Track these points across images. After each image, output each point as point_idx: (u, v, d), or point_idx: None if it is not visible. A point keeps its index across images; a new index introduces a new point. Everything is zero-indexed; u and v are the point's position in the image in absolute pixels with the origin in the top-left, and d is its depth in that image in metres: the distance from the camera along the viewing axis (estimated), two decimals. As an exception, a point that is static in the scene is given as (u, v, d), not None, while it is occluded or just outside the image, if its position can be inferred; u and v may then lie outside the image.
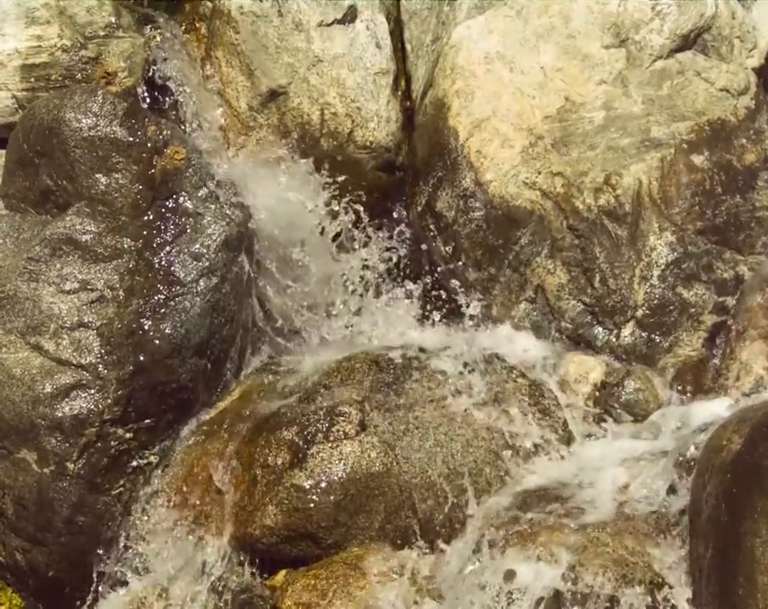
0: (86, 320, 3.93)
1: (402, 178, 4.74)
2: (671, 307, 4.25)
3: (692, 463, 3.56)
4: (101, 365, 3.90)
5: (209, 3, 4.79)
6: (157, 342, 3.94)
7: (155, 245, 4.02)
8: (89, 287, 3.97)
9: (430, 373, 3.98)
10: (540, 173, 4.39)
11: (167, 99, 4.61)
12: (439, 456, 3.80)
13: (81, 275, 3.98)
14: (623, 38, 4.55)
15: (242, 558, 3.79)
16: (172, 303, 3.98)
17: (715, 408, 3.88)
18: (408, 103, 4.83)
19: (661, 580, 3.33)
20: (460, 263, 4.44)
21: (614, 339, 4.26)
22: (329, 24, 4.72)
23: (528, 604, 3.34)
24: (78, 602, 3.93)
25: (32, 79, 4.44)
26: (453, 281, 4.46)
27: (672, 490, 3.56)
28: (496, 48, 4.57)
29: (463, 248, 4.45)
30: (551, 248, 4.34)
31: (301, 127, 4.66)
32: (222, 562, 3.78)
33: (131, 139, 4.05)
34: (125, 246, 4.01)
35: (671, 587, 3.32)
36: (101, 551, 3.91)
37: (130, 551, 3.90)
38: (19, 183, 4.16)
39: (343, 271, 4.49)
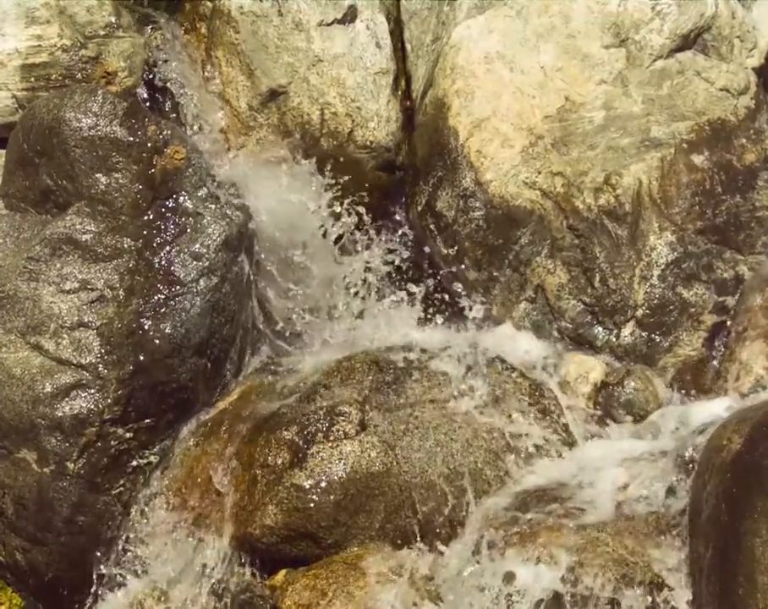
0: (86, 320, 3.93)
1: (402, 178, 4.74)
2: (671, 307, 4.25)
3: (692, 463, 3.56)
4: (101, 365, 3.90)
5: (209, 3, 4.79)
6: (157, 341, 3.94)
7: (155, 245, 4.02)
8: (89, 286, 3.97)
9: (430, 373, 3.97)
10: (540, 173, 4.39)
11: (167, 100, 4.61)
12: (439, 456, 3.80)
13: (81, 274, 3.98)
14: (623, 38, 4.55)
15: (242, 558, 3.79)
16: (172, 302, 3.98)
17: (715, 408, 3.88)
18: (408, 103, 4.83)
19: (661, 580, 3.33)
20: (460, 263, 4.44)
21: (614, 339, 4.26)
22: (329, 24, 4.72)
23: (527, 606, 3.34)
24: (78, 602, 3.93)
25: (32, 79, 4.44)
26: (453, 281, 4.46)
27: (671, 490, 3.56)
28: (496, 48, 4.57)
29: (463, 248, 4.45)
30: (551, 248, 4.34)
31: (301, 127, 4.66)
32: (222, 563, 3.78)
33: (131, 138, 4.05)
34: (125, 246, 4.01)
35: (671, 588, 3.32)
36: (101, 551, 3.91)
37: (130, 551, 3.90)
38: (19, 182, 4.16)
39: (344, 272, 4.48)
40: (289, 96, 4.69)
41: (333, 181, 4.50)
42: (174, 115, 4.60)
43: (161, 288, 3.99)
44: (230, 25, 4.73)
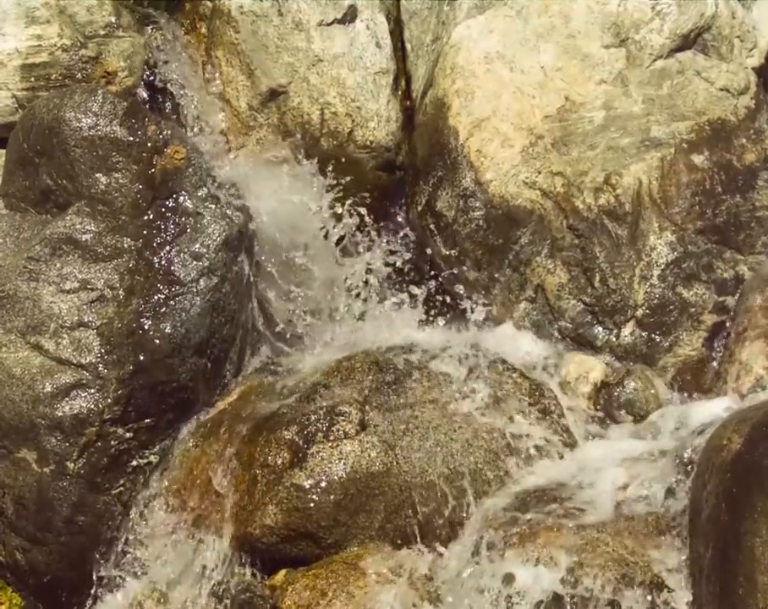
0: (86, 320, 3.93)
1: (402, 178, 4.74)
2: (671, 307, 4.25)
3: (692, 464, 3.55)
4: (101, 365, 3.90)
5: (209, 3, 4.79)
6: (157, 341, 3.94)
7: (155, 245, 4.02)
8: (89, 286, 3.97)
9: (430, 373, 3.97)
10: (540, 173, 4.39)
11: (167, 101, 4.61)
12: (439, 456, 3.80)
13: (81, 274, 3.98)
14: (623, 38, 4.55)
15: (242, 558, 3.79)
16: (172, 302, 3.98)
17: (714, 408, 3.88)
18: (408, 103, 4.83)
19: (661, 581, 3.33)
20: (460, 263, 4.44)
21: (614, 339, 4.26)
22: (329, 24, 4.72)
23: (527, 608, 3.34)
24: (78, 602, 3.93)
25: (32, 79, 4.44)
26: (454, 281, 4.46)
27: (671, 490, 3.55)
28: (496, 48, 4.57)
29: (463, 247, 4.45)
30: (551, 247, 4.34)
31: (301, 126, 4.66)
32: (222, 563, 3.78)
33: (131, 138, 4.05)
34: (125, 246, 4.01)
35: (671, 589, 3.32)
36: (101, 551, 3.91)
37: (130, 553, 3.90)
38: (19, 182, 4.16)
39: (344, 273, 4.48)
40: (289, 95, 4.69)
41: (333, 181, 4.49)
42: (175, 116, 4.60)
43: (161, 287, 3.99)
44: (230, 25, 4.73)
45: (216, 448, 3.91)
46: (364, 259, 4.49)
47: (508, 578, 3.39)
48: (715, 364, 4.23)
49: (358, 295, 4.47)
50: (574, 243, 4.33)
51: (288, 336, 4.33)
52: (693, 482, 3.46)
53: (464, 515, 3.73)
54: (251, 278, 4.20)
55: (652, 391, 4.12)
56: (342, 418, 3.80)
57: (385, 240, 4.58)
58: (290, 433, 3.79)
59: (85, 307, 3.95)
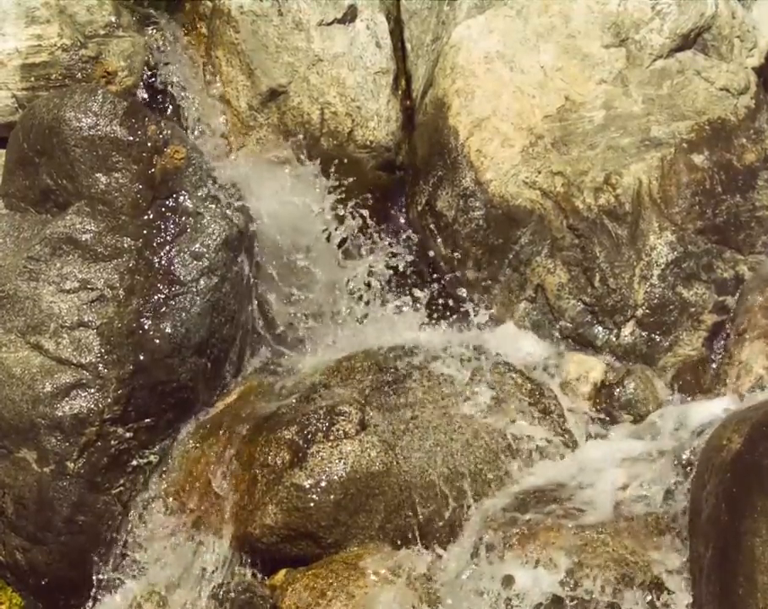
0: (86, 320, 3.93)
1: (402, 178, 4.74)
2: (671, 306, 4.25)
3: (691, 464, 3.55)
4: (101, 365, 3.90)
5: (209, 3, 4.79)
6: (157, 341, 3.94)
7: (155, 244, 4.02)
8: (89, 286, 3.97)
9: (430, 373, 3.97)
10: (540, 173, 4.39)
11: (168, 101, 4.61)
12: (439, 456, 3.80)
13: (81, 274, 3.98)
14: (623, 37, 4.55)
15: (242, 558, 3.79)
16: (172, 302, 3.98)
17: (715, 408, 3.87)
18: (408, 102, 4.83)
19: (660, 581, 3.33)
20: (460, 263, 4.44)
21: (614, 339, 4.26)
22: (329, 24, 4.72)
23: (526, 610, 3.35)
24: (78, 602, 3.93)
25: (32, 79, 4.44)
26: (453, 280, 4.46)
27: (671, 491, 3.55)
28: (496, 48, 4.57)
29: (463, 247, 4.45)
30: (551, 247, 4.34)
31: (301, 126, 4.66)
32: (222, 563, 3.78)
33: (131, 138, 4.05)
34: (125, 245, 4.01)
35: (670, 591, 3.32)
36: (101, 551, 3.91)
37: (131, 552, 3.90)
38: (19, 182, 4.16)
39: (345, 273, 4.48)
40: (289, 95, 4.69)
41: (333, 181, 4.49)
42: (175, 118, 4.59)
43: (161, 287, 3.99)
44: (230, 25, 4.73)
45: (215, 449, 3.90)
46: (363, 259, 4.49)
47: (508, 581, 3.39)
48: (715, 364, 4.23)
49: (358, 296, 4.47)
50: (574, 243, 4.33)
51: (288, 339, 4.33)
52: (693, 482, 3.46)
53: (464, 515, 3.73)
54: (251, 279, 4.20)
55: (652, 391, 4.12)
56: (342, 418, 3.80)
57: (385, 240, 4.58)
58: (290, 433, 3.79)
59: (84, 307, 3.95)
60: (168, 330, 3.95)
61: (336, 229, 4.45)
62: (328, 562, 3.69)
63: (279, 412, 3.89)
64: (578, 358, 4.20)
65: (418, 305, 4.38)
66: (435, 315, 4.38)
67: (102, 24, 4.54)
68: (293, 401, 3.92)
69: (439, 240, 4.51)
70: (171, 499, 3.90)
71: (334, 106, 4.66)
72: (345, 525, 3.70)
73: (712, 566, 3.20)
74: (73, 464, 3.87)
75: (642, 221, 4.29)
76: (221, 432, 3.94)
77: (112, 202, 4.04)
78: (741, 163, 4.39)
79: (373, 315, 4.44)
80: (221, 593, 3.74)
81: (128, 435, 3.92)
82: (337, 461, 3.73)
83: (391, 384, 3.92)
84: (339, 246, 4.45)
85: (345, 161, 4.58)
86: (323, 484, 3.71)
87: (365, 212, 4.51)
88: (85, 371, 3.89)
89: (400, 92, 4.82)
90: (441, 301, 4.43)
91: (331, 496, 3.70)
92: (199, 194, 4.08)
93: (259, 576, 3.78)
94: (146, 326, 3.94)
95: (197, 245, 4.04)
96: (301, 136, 4.63)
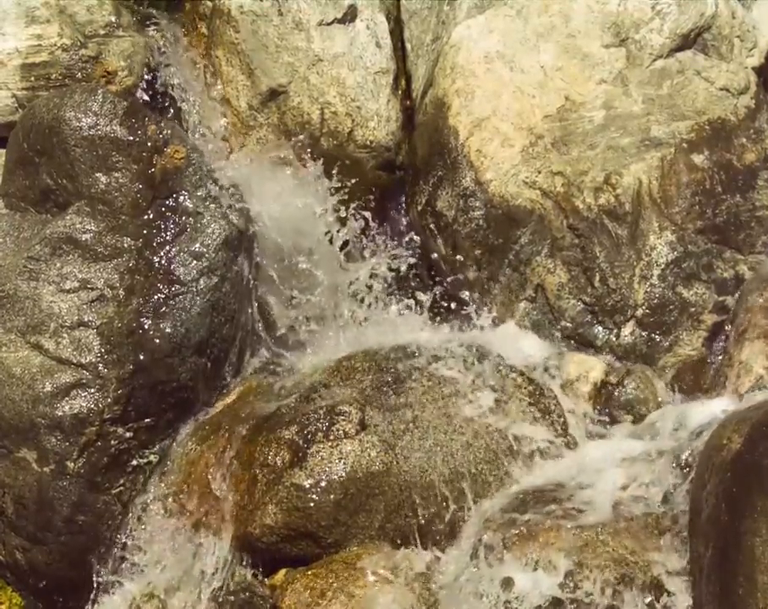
0: (86, 319, 3.93)
1: (402, 178, 4.74)
2: (671, 306, 4.25)
3: (691, 463, 3.55)
4: (101, 364, 3.90)
5: (209, 3, 4.79)
6: (157, 341, 3.94)
7: (155, 244, 4.02)
8: (89, 286, 3.97)
9: (430, 373, 3.97)
10: (540, 173, 4.39)
11: (168, 102, 4.61)
12: (439, 456, 3.80)
13: (81, 274, 3.98)
14: (623, 37, 4.55)
15: (242, 558, 3.79)
16: (172, 302, 3.98)
17: (715, 408, 3.87)
18: (408, 102, 4.83)
19: (661, 581, 3.33)
20: (460, 262, 4.44)
21: (614, 338, 4.26)
22: (329, 24, 4.72)
23: (526, 613, 3.34)
24: (77, 602, 3.93)
25: (32, 78, 4.44)
26: (453, 280, 4.46)
27: (670, 491, 3.55)
28: (496, 47, 4.57)
29: (463, 247, 4.45)
30: (551, 247, 4.34)
31: (301, 126, 4.66)
32: (221, 564, 3.78)
33: (131, 138, 4.05)
34: (125, 245, 4.01)
35: (671, 589, 3.32)
36: (101, 551, 3.91)
37: (131, 552, 3.90)
38: (19, 182, 4.16)
39: (344, 273, 4.48)
40: (289, 95, 4.69)
41: (333, 181, 4.49)
42: (176, 118, 4.59)
43: (161, 287, 3.99)
44: (230, 25, 4.73)
45: (215, 450, 3.90)
46: (363, 259, 4.49)
47: (507, 583, 3.39)
48: (715, 364, 4.23)
49: (358, 297, 4.47)
50: (574, 242, 4.33)
51: (289, 342, 4.33)
52: (693, 482, 3.46)
53: (464, 515, 3.73)
54: (251, 280, 4.20)
55: (652, 391, 4.12)
56: (342, 417, 3.80)
57: (384, 241, 4.58)
58: (290, 433, 3.79)
59: (84, 306, 3.95)
60: (168, 330, 3.95)
61: (336, 230, 4.45)
62: (328, 562, 3.69)
63: (279, 412, 3.89)
64: (579, 358, 4.20)
65: (418, 306, 4.38)
66: (435, 316, 4.37)
67: (102, 23, 4.54)
68: (293, 401, 3.92)
69: (439, 240, 4.51)
70: (170, 500, 3.90)
71: (334, 106, 4.66)
72: (345, 525, 3.70)
73: (712, 566, 3.20)
74: (73, 464, 3.87)
75: (642, 221, 4.29)
76: (221, 432, 3.94)
77: (112, 202, 4.04)
78: (741, 163, 4.39)
79: (373, 315, 4.44)
80: (221, 594, 3.74)
81: (128, 434, 3.92)
82: (337, 461, 3.73)
83: (391, 384, 3.92)
84: (339, 246, 4.44)
85: (345, 161, 4.58)
86: (323, 484, 3.71)
87: (365, 212, 4.51)
88: (84, 371, 3.89)
89: (400, 92, 4.82)
90: (441, 301, 4.42)
91: (331, 496, 3.70)
92: (199, 193, 4.08)
93: (259, 576, 3.78)
94: (146, 326, 3.94)
95: (197, 245, 4.04)
96: (301, 136, 4.63)
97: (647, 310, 4.25)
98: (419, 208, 4.59)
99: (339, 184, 4.48)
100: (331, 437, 3.76)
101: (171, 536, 3.85)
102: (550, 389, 4.05)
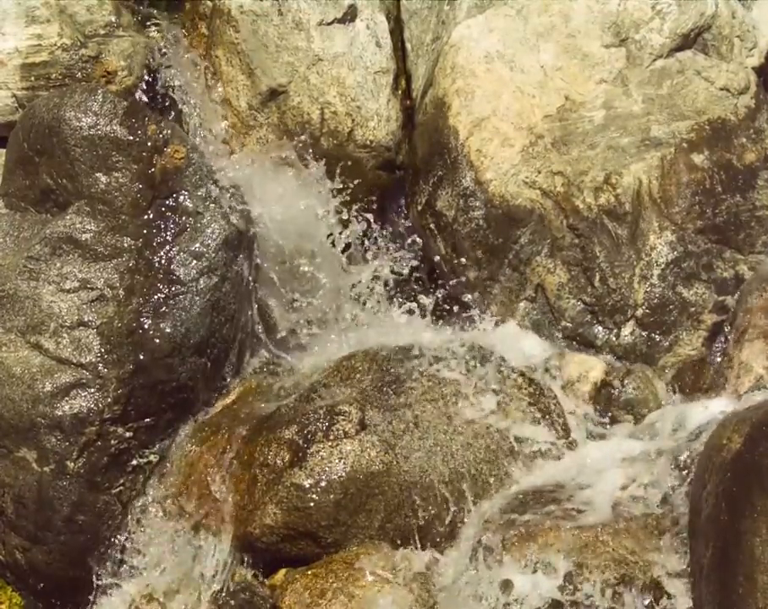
0: (86, 319, 3.93)
1: (402, 177, 4.74)
2: (671, 306, 4.25)
3: (691, 463, 3.55)
4: (101, 364, 3.90)
5: (209, 2, 4.79)
6: (157, 340, 3.94)
7: (155, 244, 4.02)
8: (89, 285, 3.97)
9: (430, 372, 3.97)
10: (540, 172, 4.39)
11: (168, 101, 4.61)
12: (439, 455, 3.80)
13: (81, 274, 3.98)
14: (623, 37, 4.55)
15: (242, 558, 3.79)
16: (172, 302, 3.98)
17: (714, 408, 3.87)
18: (408, 102, 4.83)
19: (660, 582, 3.33)
20: (460, 262, 4.44)
21: (614, 338, 4.26)
22: (329, 23, 4.71)
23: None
24: (77, 601, 3.93)
25: (32, 78, 4.44)
26: (453, 280, 4.46)
27: (670, 490, 3.55)
28: (496, 47, 4.57)
29: (463, 247, 4.45)
30: (551, 247, 4.34)
31: (301, 126, 4.65)
32: (221, 565, 3.78)
33: (131, 137, 4.05)
34: (125, 245, 4.01)
35: (671, 590, 3.32)
36: (101, 551, 3.91)
37: (131, 554, 3.90)
38: (19, 181, 4.16)
39: (343, 273, 4.48)
40: (289, 95, 4.69)
41: (333, 181, 4.49)
42: (175, 118, 4.59)
43: (161, 287, 3.98)
44: (230, 25, 4.73)
45: (215, 451, 3.90)
46: (362, 259, 4.49)
47: (506, 585, 3.38)
48: (715, 364, 4.23)
49: (358, 297, 4.47)
50: (574, 242, 4.33)
51: (290, 345, 4.33)
52: (692, 482, 3.46)
53: (463, 515, 3.73)
54: (251, 281, 4.20)
55: (652, 391, 4.12)
56: (342, 417, 3.80)
57: (384, 241, 4.58)
58: (290, 432, 3.79)
59: (84, 306, 3.95)
60: (168, 329, 3.95)
61: (336, 229, 4.44)
62: (328, 562, 3.69)
63: (279, 412, 3.89)
64: (579, 358, 4.20)
65: (418, 305, 4.38)
66: (435, 315, 4.37)
67: (102, 23, 4.54)
68: (293, 401, 3.92)
69: (439, 240, 4.51)
70: (170, 502, 3.90)
71: (334, 106, 4.66)
72: (345, 525, 3.70)
73: (712, 566, 3.20)
74: (73, 464, 3.87)
75: (642, 220, 4.29)
76: (221, 433, 3.94)
77: (112, 202, 4.04)
78: (741, 163, 4.39)
79: (374, 316, 4.44)
80: (221, 596, 3.74)
81: (128, 434, 3.92)
82: (336, 461, 3.72)
83: (391, 384, 3.92)
84: (341, 248, 4.44)
85: (345, 161, 4.58)
86: (323, 483, 3.71)
87: (364, 212, 4.51)
88: (84, 371, 3.89)
89: (400, 92, 4.82)
90: (441, 301, 4.42)
91: (331, 496, 3.70)
92: (199, 193, 4.08)
93: (259, 576, 3.78)
94: (146, 326, 3.94)
95: (197, 245, 4.04)
96: (301, 136, 4.63)
97: (647, 310, 4.25)
98: (419, 208, 4.59)
99: (338, 184, 4.48)
100: (331, 437, 3.76)
101: (170, 538, 3.85)
102: (550, 389, 4.05)
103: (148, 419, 3.95)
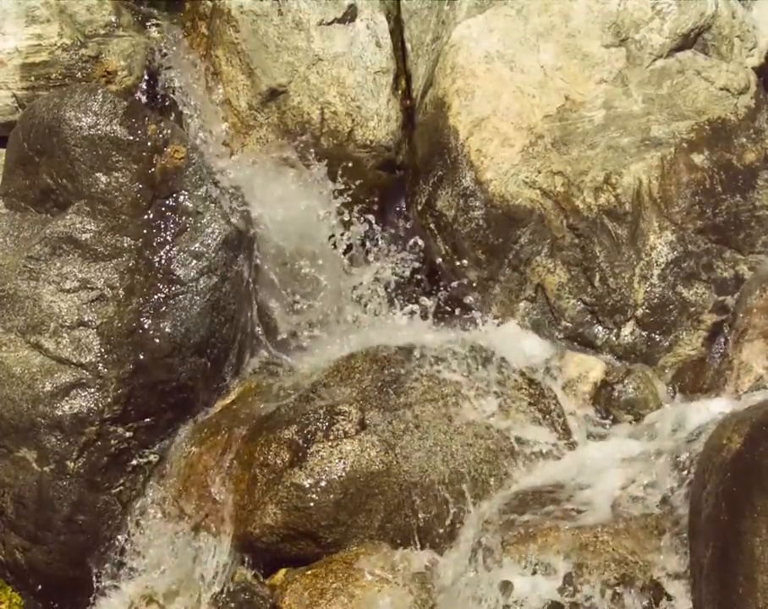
0: (86, 319, 3.93)
1: (402, 177, 4.74)
2: (671, 306, 4.25)
3: (691, 463, 3.55)
4: (101, 364, 3.90)
5: (209, 2, 4.79)
6: (157, 340, 3.94)
7: (155, 244, 4.02)
8: (89, 285, 3.97)
9: (430, 372, 3.97)
10: (540, 172, 4.39)
11: (168, 101, 4.61)
12: (439, 455, 3.80)
13: (81, 274, 3.98)
14: (623, 37, 4.55)
15: (242, 558, 3.79)
16: (172, 301, 3.98)
17: (714, 408, 3.87)
18: (408, 102, 4.83)
19: (660, 582, 3.33)
20: (460, 262, 4.44)
21: (614, 338, 4.26)
22: (329, 23, 4.71)
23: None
24: (77, 601, 3.93)
25: (32, 78, 4.44)
26: (453, 280, 4.46)
27: (670, 491, 3.55)
28: (496, 47, 4.57)
29: (463, 247, 4.45)
30: (551, 247, 4.34)
31: (301, 126, 4.65)
32: (221, 564, 3.78)
33: (131, 137, 4.05)
34: (125, 245, 4.01)
35: (671, 590, 3.32)
36: (101, 550, 3.91)
37: (130, 556, 3.90)
38: (19, 181, 4.16)
39: (343, 273, 4.48)
40: (289, 95, 4.69)
41: (333, 181, 4.49)
42: (175, 117, 4.59)
43: (161, 286, 3.98)
44: (230, 24, 4.72)
45: (214, 451, 3.90)
46: (362, 259, 4.49)
47: (506, 587, 3.38)
48: (715, 364, 4.23)
49: (358, 297, 4.47)
50: (574, 242, 4.33)
51: (291, 348, 4.33)
52: (692, 482, 3.46)
53: (463, 516, 3.73)
54: (251, 282, 4.20)
55: (652, 390, 4.12)
56: (342, 417, 3.80)
57: (384, 241, 4.58)
58: (290, 432, 3.79)
59: (84, 306, 3.95)
60: (168, 329, 3.95)
61: (336, 229, 4.44)
62: (328, 562, 3.69)
63: (279, 412, 3.89)
64: (578, 358, 4.19)
65: (417, 305, 4.38)
66: (434, 315, 4.37)
67: (102, 23, 4.54)
68: (293, 401, 3.92)
69: (439, 240, 4.51)
70: (170, 503, 3.90)
71: (334, 106, 4.66)
72: (345, 525, 3.70)
73: (712, 566, 3.20)
74: (73, 464, 3.87)
75: (642, 220, 4.29)
76: (221, 431, 3.94)
77: (112, 202, 4.04)
78: (741, 163, 4.39)
79: (374, 316, 4.44)
80: (221, 598, 3.74)
81: (127, 434, 3.92)
82: (336, 460, 3.73)
83: (391, 384, 3.92)
84: (334, 243, 4.44)
85: (345, 160, 4.58)
86: (323, 483, 3.71)
87: (365, 213, 4.51)
88: (84, 371, 3.89)
89: (400, 92, 4.81)
90: (440, 301, 4.42)
91: (331, 496, 3.70)
92: (198, 193, 4.08)
93: (259, 576, 3.78)
94: (146, 326, 3.94)
95: (197, 245, 4.04)
96: (301, 136, 4.63)
97: (647, 310, 4.25)
98: (419, 208, 4.59)
99: (338, 184, 4.48)
100: (331, 437, 3.76)
101: (170, 540, 3.85)
102: (550, 389, 4.05)
103: (148, 419, 3.95)
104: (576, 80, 4.52)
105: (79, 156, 4.04)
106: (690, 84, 4.50)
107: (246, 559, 3.79)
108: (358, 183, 4.55)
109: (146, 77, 4.57)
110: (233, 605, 3.72)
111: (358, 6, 4.75)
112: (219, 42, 4.75)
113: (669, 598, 3.31)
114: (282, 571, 3.74)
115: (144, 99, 4.51)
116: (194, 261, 4.02)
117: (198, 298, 4.00)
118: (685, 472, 3.55)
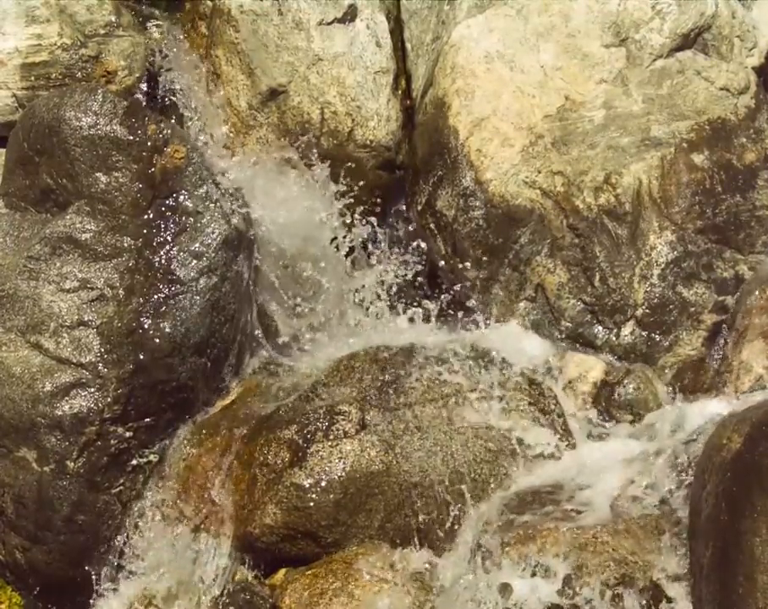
0: (86, 319, 3.93)
1: (402, 177, 4.74)
2: (671, 306, 4.25)
3: (691, 463, 3.55)
4: (101, 364, 3.90)
5: (209, 2, 4.79)
6: (157, 340, 3.94)
7: (155, 244, 4.02)
8: (89, 285, 3.97)
9: (430, 372, 3.97)
10: (540, 172, 4.39)
11: (168, 102, 4.61)
12: (438, 455, 3.80)
13: (81, 273, 3.98)
14: (623, 37, 4.55)
15: (242, 558, 3.79)
16: (172, 301, 3.98)
17: (714, 408, 3.87)
18: (408, 102, 4.83)
19: (660, 582, 3.33)
20: (460, 262, 4.44)
21: (614, 338, 4.26)
22: (329, 23, 4.71)
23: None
24: (77, 601, 3.93)
25: (32, 78, 4.44)
26: (453, 280, 4.46)
27: (670, 490, 3.55)
28: (496, 47, 4.57)
29: (463, 247, 4.45)
30: (551, 247, 4.34)
31: (301, 126, 4.65)
32: (221, 566, 3.78)
33: (131, 137, 4.05)
34: (125, 245, 4.01)
35: (670, 590, 3.32)
36: (101, 550, 3.91)
37: (129, 558, 3.90)
38: (19, 181, 4.16)
39: (343, 273, 4.48)
40: (289, 95, 4.69)
41: (333, 181, 4.49)
42: (175, 117, 4.59)
43: (161, 286, 3.99)
44: (230, 24, 4.72)
45: (214, 452, 3.90)
46: (361, 258, 4.49)
47: (505, 589, 3.38)
48: (715, 364, 4.23)
49: (357, 297, 4.47)
50: (574, 242, 4.33)
51: (292, 349, 4.33)
52: (692, 482, 3.46)
53: (463, 516, 3.73)
54: (251, 283, 4.20)
55: (652, 390, 4.12)
56: (342, 417, 3.80)
57: (383, 241, 4.58)
58: (290, 432, 3.79)
59: (84, 306, 3.95)
60: (168, 329, 3.95)
61: (338, 231, 4.44)
62: (328, 562, 3.69)
63: (279, 411, 3.89)
64: (578, 357, 4.19)
65: (417, 305, 4.38)
66: (434, 315, 4.37)
67: (102, 23, 4.54)
68: (293, 401, 3.92)
69: (439, 240, 4.51)
70: (169, 504, 3.89)
71: (334, 106, 4.66)
72: (345, 525, 3.71)
73: (712, 566, 3.20)
74: (73, 464, 3.87)
75: (642, 220, 4.29)
76: (221, 431, 3.94)
77: (112, 202, 4.04)
78: (741, 163, 4.39)
79: (375, 319, 4.44)
80: (221, 600, 3.74)
81: (127, 434, 3.92)
82: (336, 460, 3.73)
83: (391, 383, 3.92)
84: (336, 245, 4.45)
85: (345, 160, 4.58)
86: (323, 483, 3.71)
87: (365, 213, 4.51)
88: (84, 371, 3.89)
89: (400, 92, 4.81)
90: (440, 301, 4.42)
91: (331, 496, 3.70)
92: (199, 193, 4.08)
93: (259, 576, 3.78)
94: (146, 326, 3.94)
95: (197, 244, 4.04)
96: (301, 136, 4.63)
97: (647, 310, 4.25)
98: (419, 208, 4.59)
99: (338, 184, 4.48)
100: (331, 437, 3.76)
101: (170, 542, 3.85)
102: (550, 389, 4.05)
103: (148, 419, 3.95)
104: (576, 80, 4.52)
105: (79, 155, 4.04)
106: (690, 84, 4.50)
107: (246, 559, 3.79)
108: (358, 183, 4.55)
109: (146, 77, 4.57)
110: (233, 605, 3.72)
111: (358, 6, 4.75)
112: (219, 42, 4.75)
113: (669, 599, 3.31)
114: (282, 571, 3.75)
115: (144, 99, 4.50)
116: (194, 261, 4.02)
117: (198, 298, 4.01)
118: (685, 472, 3.55)
